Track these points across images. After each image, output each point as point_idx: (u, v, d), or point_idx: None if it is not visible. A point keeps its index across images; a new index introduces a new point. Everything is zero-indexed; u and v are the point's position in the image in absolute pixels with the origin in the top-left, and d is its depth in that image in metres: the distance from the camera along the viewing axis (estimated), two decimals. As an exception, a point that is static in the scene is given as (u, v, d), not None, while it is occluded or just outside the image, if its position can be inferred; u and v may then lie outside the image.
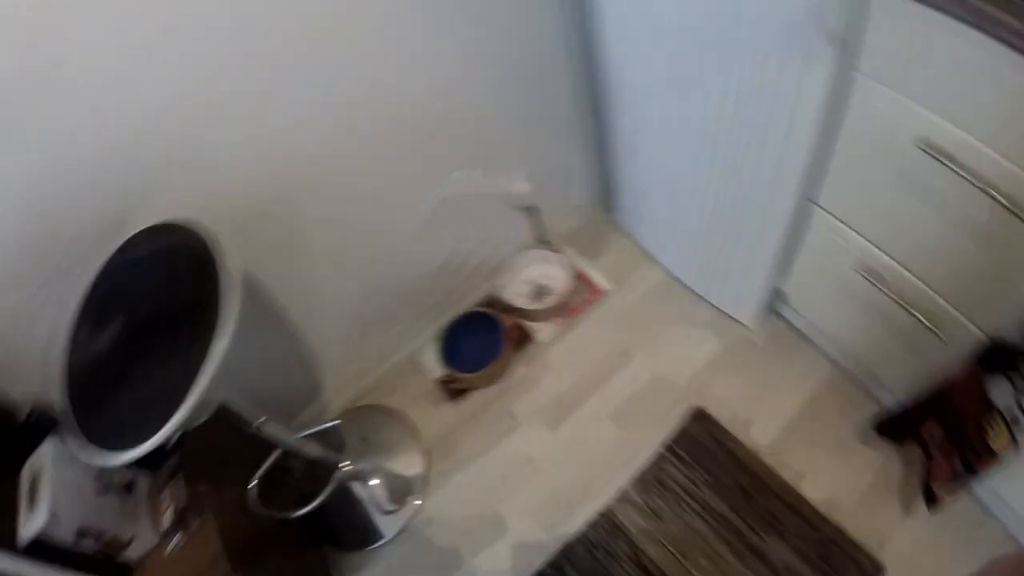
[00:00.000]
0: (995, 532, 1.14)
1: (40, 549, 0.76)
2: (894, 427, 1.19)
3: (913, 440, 1.14)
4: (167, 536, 0.91)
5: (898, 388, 1.20)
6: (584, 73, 1.32)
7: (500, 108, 1.26)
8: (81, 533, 0.80)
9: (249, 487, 1.08)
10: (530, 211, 1.48)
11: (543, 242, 1.58)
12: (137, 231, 0.87)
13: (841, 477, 1.24)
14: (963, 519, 1.16)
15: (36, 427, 0.88)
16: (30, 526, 0.75)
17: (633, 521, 1.25)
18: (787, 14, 0.80)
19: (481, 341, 1.46)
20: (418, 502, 1.36)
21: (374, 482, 1.37)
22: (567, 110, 1.39)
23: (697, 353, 1.45)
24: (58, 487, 0.79)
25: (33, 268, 0.87)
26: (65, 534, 0.78)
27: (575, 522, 1.27)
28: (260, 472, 1.11)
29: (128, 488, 0.93)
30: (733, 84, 0.97)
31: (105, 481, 0.89)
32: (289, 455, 1.17)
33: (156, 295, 0.87)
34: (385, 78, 1.04)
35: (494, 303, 1.54)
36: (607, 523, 1.26)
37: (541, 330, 1.51)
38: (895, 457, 1.24)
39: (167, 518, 0.93)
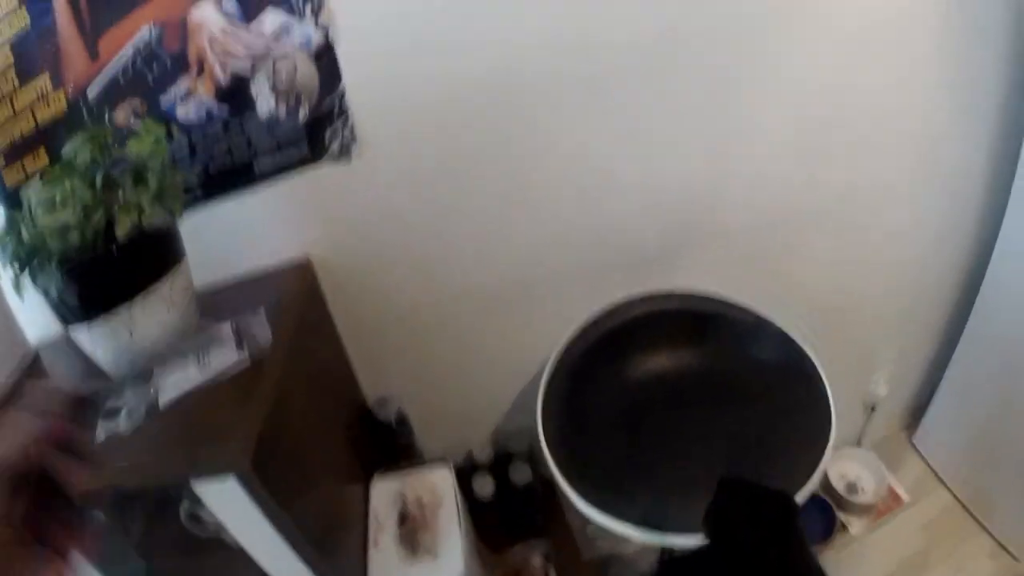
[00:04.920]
0: None
1: None
2: None
3: None
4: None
5: None
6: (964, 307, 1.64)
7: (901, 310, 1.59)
8: None
9: None
10: (869, 411, 1.77)
11: (858, 443, 1.86)
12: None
13: None
14: None
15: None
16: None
17: None
18: None
19: (811, 519, 1.67)
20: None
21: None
22: (939, 333, 1.73)
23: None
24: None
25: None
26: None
27: None
28: None
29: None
30: None
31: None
32: None
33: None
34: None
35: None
36: None
37: (853, 523, 1.73)
38: None
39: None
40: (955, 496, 1.81)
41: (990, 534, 1.72)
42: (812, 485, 0.86)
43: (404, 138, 0.98)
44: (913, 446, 1.93)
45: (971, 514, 1.77)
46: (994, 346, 1.54)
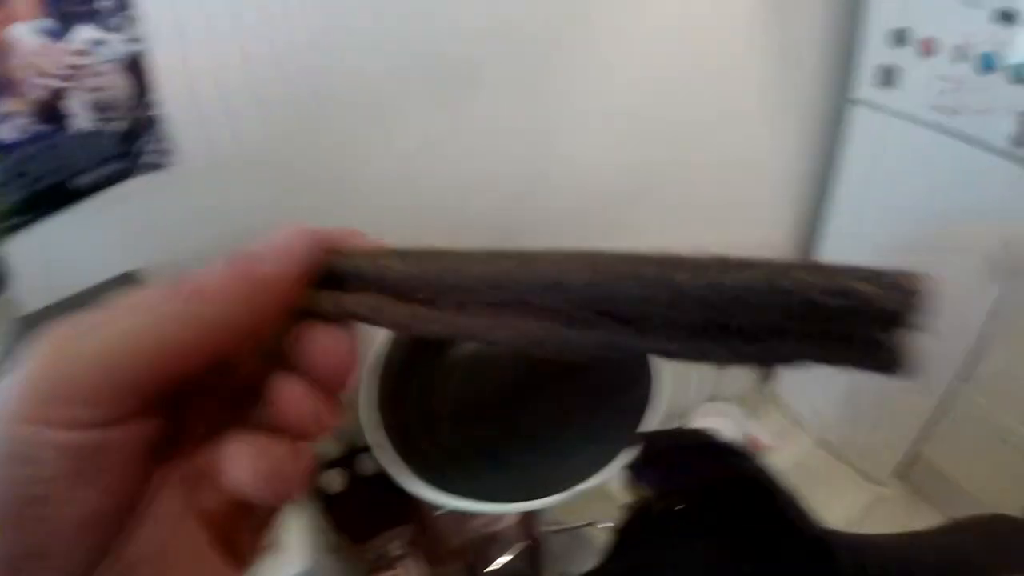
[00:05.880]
0: None
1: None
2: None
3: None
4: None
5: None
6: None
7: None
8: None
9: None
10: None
11: (715, 398, 2.06)
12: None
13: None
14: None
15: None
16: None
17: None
18: (980, 249, 1.35)
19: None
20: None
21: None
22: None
23: (847, 505, 1.85)
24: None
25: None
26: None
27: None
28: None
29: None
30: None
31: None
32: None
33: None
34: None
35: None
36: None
37: (719, 471, 1.93)
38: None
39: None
40: (816, 436, 2.04)
41: (853, 466, 1.96)
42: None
43: (219, 142, 1.06)
44: (772, 395, 2.15)
45: (833, 450, 2.00)
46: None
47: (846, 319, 0.14)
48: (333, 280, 0.22)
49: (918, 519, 1.79)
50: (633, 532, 0.86)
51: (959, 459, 1.72)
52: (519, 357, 1.08)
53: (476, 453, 1.03)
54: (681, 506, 0.78)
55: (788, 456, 2.01)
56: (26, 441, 0.16)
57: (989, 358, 1.51)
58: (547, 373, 1.07)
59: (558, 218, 1.38)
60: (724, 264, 0.15)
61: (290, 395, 0.21)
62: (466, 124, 1.19)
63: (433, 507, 1.44)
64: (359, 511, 1.40)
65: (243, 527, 0.22)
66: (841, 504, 1.88)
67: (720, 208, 1.62)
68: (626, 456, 0.83)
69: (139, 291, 0.20)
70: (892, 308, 0.14)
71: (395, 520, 1.45)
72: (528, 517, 1.30)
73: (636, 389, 1.02)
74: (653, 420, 0.96)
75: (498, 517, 1.62)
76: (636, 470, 0.83)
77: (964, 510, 0.96)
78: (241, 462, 0.20)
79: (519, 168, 1.28)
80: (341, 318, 0.22)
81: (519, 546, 1.45)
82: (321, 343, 0.22)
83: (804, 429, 2.07)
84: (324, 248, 0.22)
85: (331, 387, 0.22)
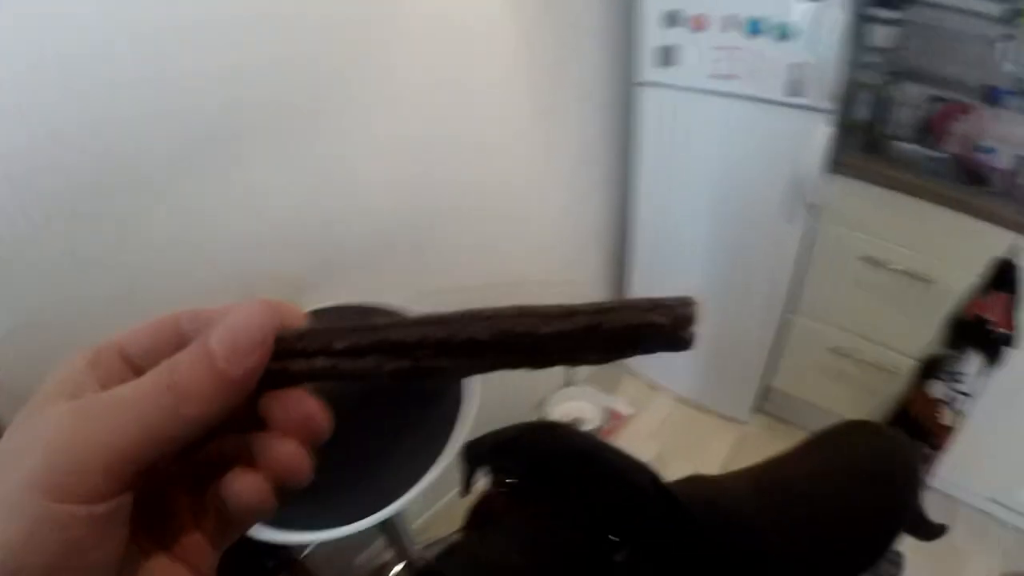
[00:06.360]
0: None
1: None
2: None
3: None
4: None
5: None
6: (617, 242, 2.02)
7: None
8: None
9: None
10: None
11: (569, 383, 2.12)
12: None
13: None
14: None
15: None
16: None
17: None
18: (779, 193, 1.55)
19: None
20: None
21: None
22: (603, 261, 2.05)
23: (716, 449, 1.99)
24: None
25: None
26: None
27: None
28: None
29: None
30: (736, 239, 1.70)
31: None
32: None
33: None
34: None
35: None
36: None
37: (588, 451, 1.98)
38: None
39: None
40: (674, 395, 2.18)
41: (713, 412, 2.11)
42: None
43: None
44: (624, 366, 2.26)
45: (692, 403, 2.14)
46: (654, 269, 1.95)
47: (646, 334, 0.23)
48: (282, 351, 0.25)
49: (784, 445, 1.95)
50: (479, 520, 0.87)
51: (806, 381, 1.93)
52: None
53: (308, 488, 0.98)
54: (520, 487, 0.82)
55: (652, 419, 2.12)
56: (57, 512, 0.21)
57: (809, 286, 1.71)
58: (356, 401, 1.05)
59: (357, 254, 1.32)
60: (569, 312, 0.24)
61: (280, 454, 0.25)
62: (246, 177, 1.08)
63: (298, 551, 1.38)
64: (232, 571, 1.28)
65: (204, 552, 0.27)
66: (711, 449, 2.03)
67: (529, 207, 1.69)
68: (445, 461, 0.89)
69: (123, 383, 0.24)
70: (677, 331, 0.23)
71: (270, 572, 1.35)
72: (395, 540, 1.28)
73: (448, 396, 1.04)
74: (467, 422, 0.98)
75: (382, 550, 1.57)
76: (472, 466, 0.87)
77: (822, 424, 1.09)
78: (249, 486, 0.25)
79: (310, 213, 1.20)
80: (308, 380, 0.26)
81: (398, 569, 1.42)
82: (297, 407, 0.26)
83: (661, 392, 2.20)
84: (279, 328, 0.25)
85: (311, 441, 0.26)
